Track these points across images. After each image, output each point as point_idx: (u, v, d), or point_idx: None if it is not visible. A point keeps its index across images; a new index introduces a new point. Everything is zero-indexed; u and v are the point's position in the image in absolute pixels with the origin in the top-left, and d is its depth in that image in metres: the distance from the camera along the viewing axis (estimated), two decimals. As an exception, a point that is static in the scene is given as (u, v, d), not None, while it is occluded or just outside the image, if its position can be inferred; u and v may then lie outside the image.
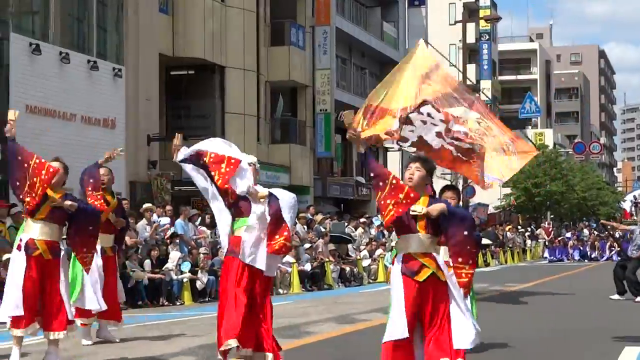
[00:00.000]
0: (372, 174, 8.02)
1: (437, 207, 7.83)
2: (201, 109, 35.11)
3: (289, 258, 24.90)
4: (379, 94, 11.81)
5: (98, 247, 11.83)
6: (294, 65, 39.62)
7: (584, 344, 12.50)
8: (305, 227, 28.45)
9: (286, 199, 9.57)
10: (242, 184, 9.34)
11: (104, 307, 12.11)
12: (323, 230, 28.68)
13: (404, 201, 7.75)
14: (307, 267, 25.73)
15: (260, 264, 9.20)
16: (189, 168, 9.55)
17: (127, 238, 20.24)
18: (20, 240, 10.33)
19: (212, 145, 9.55)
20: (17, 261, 10.28)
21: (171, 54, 32.83)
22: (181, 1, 33.19)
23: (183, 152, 9.42)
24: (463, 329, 7.78)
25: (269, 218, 9.29)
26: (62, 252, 10.43)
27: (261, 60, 37.82)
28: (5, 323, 10.26)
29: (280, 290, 23.73)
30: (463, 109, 12.00)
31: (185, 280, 20.79)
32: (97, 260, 11.99)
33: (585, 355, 11.14)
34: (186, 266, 20.91)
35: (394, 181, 7.85)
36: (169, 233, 21.98)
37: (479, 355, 10.66)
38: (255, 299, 9.24)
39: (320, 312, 17.09)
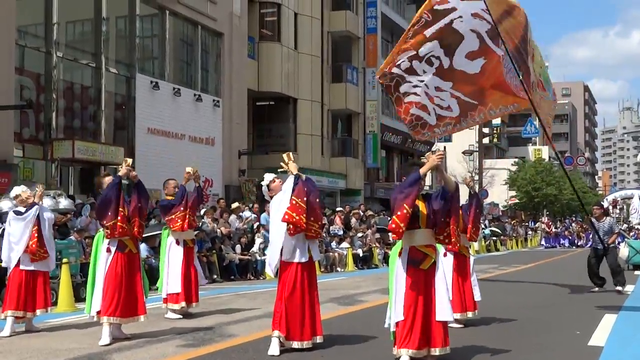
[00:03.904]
0: (405, 185, 7.15)
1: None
2: (279, 131, 35.09)
3: (345, 244, 24.79)
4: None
5: (181, 240, 11.30)
6: (350, 97, 39.48)
7: (571, 310, 12.22)
8: (358, 220, 28.30)
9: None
10: None
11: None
12: (371, 222, 28.52)
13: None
14: (359, 251, 25.57)
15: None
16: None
17: (222, 228, 20.33)
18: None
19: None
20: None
21: (256, 89, 32.82)
22: (264, 49, 33.23)
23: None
24: (446, 304, 7.16)
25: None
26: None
27: (325, 94, 37.76)
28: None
29: (339, 269, 23.61)
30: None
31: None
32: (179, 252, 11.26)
33: (573, 319, 10.84)
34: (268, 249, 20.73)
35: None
36: (256, 225, 21.89)
37: (484, 315, 10.46)
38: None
39: (369, 285, 16.93)
